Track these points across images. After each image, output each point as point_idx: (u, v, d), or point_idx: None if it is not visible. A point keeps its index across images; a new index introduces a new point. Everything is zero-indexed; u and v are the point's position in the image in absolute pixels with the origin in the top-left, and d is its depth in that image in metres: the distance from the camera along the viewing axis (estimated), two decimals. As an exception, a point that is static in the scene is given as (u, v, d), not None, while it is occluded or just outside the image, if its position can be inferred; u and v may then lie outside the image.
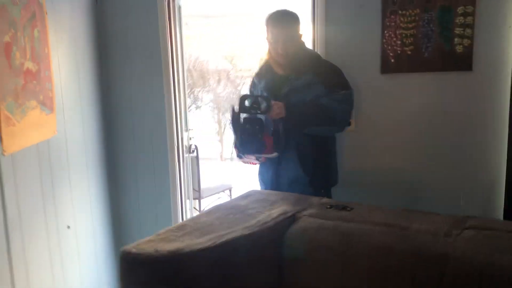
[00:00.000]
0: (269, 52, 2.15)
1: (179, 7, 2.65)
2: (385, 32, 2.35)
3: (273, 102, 1.97)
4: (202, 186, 3.80)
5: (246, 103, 1.95)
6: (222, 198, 4.16)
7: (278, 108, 1.97)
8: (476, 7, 2.29)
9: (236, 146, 2.05)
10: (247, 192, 1.79)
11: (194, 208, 3.39)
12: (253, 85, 2.28)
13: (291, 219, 1.45)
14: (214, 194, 4.08)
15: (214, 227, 1.39)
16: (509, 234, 1.30)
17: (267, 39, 2.10)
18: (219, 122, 10.40)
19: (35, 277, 1.75)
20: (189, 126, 2.92)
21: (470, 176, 2.45)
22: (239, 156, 2.11)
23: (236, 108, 1.99)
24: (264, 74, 2.21)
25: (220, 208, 1.58)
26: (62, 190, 1.99)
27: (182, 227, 1.42)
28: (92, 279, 2.31)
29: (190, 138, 2.96)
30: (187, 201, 2.85)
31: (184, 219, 2.74)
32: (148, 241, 1.32)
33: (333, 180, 2.19)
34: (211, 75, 10.29)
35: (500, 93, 2.34)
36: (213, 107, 10.45)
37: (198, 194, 3.59)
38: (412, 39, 2.33)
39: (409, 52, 2.34)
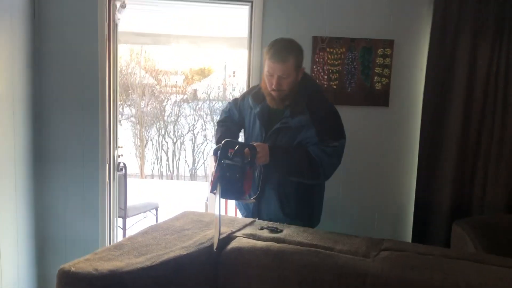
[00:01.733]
0: (264, 82, 1.98)
1: (116, 25, 2.69)
2: (314, 67, 2.55)
3: (257, 145, 1.84)
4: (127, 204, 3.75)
5: (229, 153, 1.77)
6: (148, 217, 4.12)
7: (263, 156, 1.83)
8: (393, 49, 2.56)
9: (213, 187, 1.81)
10: (181, 213, 1.83)
11: (119, 226, 3.34)
12: (244, 104, 2.12)
13: (226, 240, 1.53)
14: (140, 213, 4.03)
15: (151, 247, 1.43)
16: (418, 255, 1.48)
17: (264, 69, 1.96)
18: (141, 138, 10.22)
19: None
20: (118, 143, 2.92)
21: (384, 201, 2.69)
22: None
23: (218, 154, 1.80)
24: (261, 100, 2.03)
25: (156, 229, 1.62)
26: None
27: (120, 246, 1.44)
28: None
29: (119, 156, 2.96)
30: (115, 219, 2.83)
31: (112, 237, 2.72)
32: (85, 260, 1.33)
33: (316, 221, 2.11)
34: (134, 89, 10.13)
35: (412, 127, 2.63)
36: (135, 122, 10.27)
37: (124, 213, 3.54)
38: (337, 75, 2.55)
39: (334, 87, 2.56)
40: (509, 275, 1.33)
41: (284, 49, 1.89)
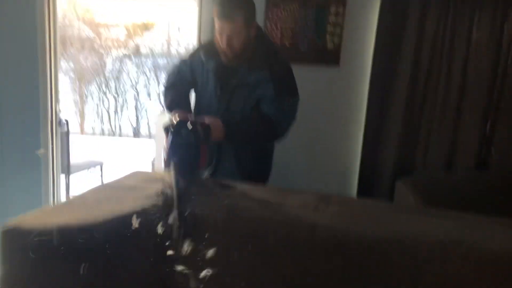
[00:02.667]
0: (216, 38, 1.89)
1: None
2: (267, 23, 2.52)
3: (210, 122, 1.76)
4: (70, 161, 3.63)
5: (183, 131, 1.71)
6: (93, 175, 4.02)
7: (217, 134, 1.78)
8: (346, 8, 2.57)
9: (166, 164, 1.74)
10: (130, 173, 1.78)
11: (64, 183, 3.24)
12: (196, 60, 2.03)
13: (179, 196, 1.53)
14: (83, 170, 3.92)
15: (103, 204, 1.40)
16: (364, 209, 1.55)
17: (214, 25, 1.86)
18: (80, 94, 9.82)
19: None
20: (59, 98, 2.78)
21: (331, 160, 2.77)
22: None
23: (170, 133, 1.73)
24: (214, 54, 1.95)
25: (106, 187, 1.59)
26: None
27: (70, 203, 1.41)
28: None
29: (60, 111, 2.83)
30: (60, 176, 2.74)
31: (56, 195, 2.64)
32: (33, 216, 1.29)
33: (266, 180, 2.12)
34: (72, 42, 9.57)
35: (360, 87, 2.69)
36: (74, 77, 9.81)
37: (67, 170, 3.43)
38: (290, 32, 2.54)
39: (288, 45, 2.55)
40: (449, 225, 1.42)
41: (231, 4, 1.79)
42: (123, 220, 1.31)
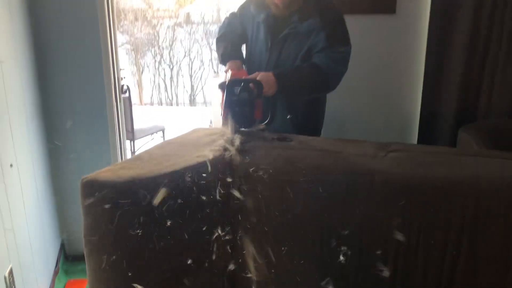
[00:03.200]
0: None
1: None
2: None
3: (261, 78, 1.80)
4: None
5: (236, 90, 1.79)
6: (156, 139, 4.19)
7: (269, 88, 1.81)
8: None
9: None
10: (192, 130, 1.86)
11: (129, 149, 3.41)
12: (246, 13, 2.06)
13: (240, 149, 1.58)
14: (147, 135, 4.09)
15: (170, 157, 1.48)
16: (425, 154, 1.53)
17: None
18: (137, 65, 10.08)
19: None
20: (120, 66, 2.90)
21: (390, 110, 2.73)
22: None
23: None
24: (264, 6, 1.97)
25: (171, 142, 1.67)
26: (2, 130, 1.96)
27: (138, 158, 1.49)
28: (35, 216, 2.33)
29: (122, 78, 2.95)
30: (125, 142, 2.89)
31: (123, 159, 2.79)
32: (107, 170, 1.39)
33: (319, 132, 2.16)
34: (125, 14, 9.77)
35: (419, 34, 2.59)
36: (129, 49, 10.06)
37: (131, 135, 3.60)
38: (341, -19, 2.47)
39: (338, -6, 2.48)
40: (510, 165, 1.38)
41: None
42: (188, 171, 1.38)
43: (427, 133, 2.67)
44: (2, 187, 1.91)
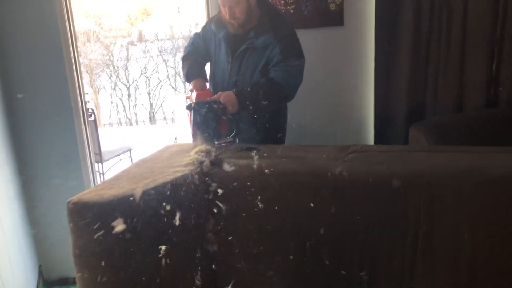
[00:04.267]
0: (220, 10, 2.07)
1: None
2: (269, -8, 2.62)
3: (223, 98, 1.99)
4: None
5: (203, 111, 2.01)
6: (124, 160, 4.21)
7: (231, 106, 1.99)
8: (344, -32, 2.65)
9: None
10: (163, 147, 1.96)
11: (97, 172, 3.44)
12: (208, 32, 2.21)
13: (213, 161, 1.69)
14: (114, 156, 4.11)
15: (147, 174, 1.57)
16: (381, 153, 1.69)
17: None
18: (93, 87, 9.99)
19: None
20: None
21: (346, 116, 2.90)
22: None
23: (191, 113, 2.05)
24: (224, 26, 2.12)
25: (146, 160, 1.75)
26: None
27: (117, 177, 1.58)
28: (14, 245, 2.34)
29: (87, 102, 3.01)
30: (95, 164, 2.93)
31: (95, 182, 2.83)
32: (89, 192, 1.47)
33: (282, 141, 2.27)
34: (77, 36, 9.65)
35: (367, 43, 2.79)
36: (83, 71, 9.97)
37: (99, 158, 3.63)
38: (293, -2, 2.64)
39: (291, 11, 2.65)
40: (460, 157, 1.56)
41: None
42: (167, 187, 1.48)
43: (382, 134, 2.85)
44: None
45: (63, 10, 2.47)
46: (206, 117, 2.01)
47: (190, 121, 2.07)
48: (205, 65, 2.31)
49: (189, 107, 2.06)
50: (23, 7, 2.42)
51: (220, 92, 2.05)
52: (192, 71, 2.21)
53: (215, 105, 2.01)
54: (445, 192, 1.46)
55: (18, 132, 2.56)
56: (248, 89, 2.04)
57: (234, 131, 2.11)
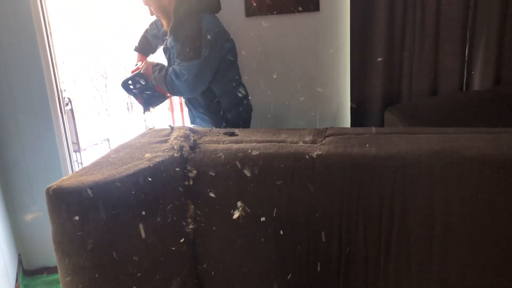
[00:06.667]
0: None
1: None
2: (245, -22, 2.62)
3: (141, 66, 2.30)
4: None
5: (130, 84, 2.33)
6: (102, 149, 4.19)
7: (147, 73, 2.29)
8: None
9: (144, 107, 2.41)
10: (143, 132, 1.98)
11: (76, 161, 3.41)
12: (156, 27, 2.46)
13: (192, 146, 1.71)
14: (92, 145, 4.08)
15: (126, 160, 1.58)
16: (357, 136, 1.73)
17: None
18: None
19: None
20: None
21: (323, 102, 2.94)
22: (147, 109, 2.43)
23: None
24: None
25: (125, 146, 1.75)
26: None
27: (97, 163, 1.58)
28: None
29: (64, 90, 2.97)
30: (73, 153, 2.91)
31: (73, 170, 2.82)
32: (69, 178, 1.46)
33: (232, 120, 2.36)
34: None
35: (342, 29, 2.82)
36: (60, 61, 9.79)
37: (77, 147, 3.60)
38: (269, -16, 2.65)
39: (268, -4, 2.66)
40: (433, 139, 1.61)
41: None
42: (147, 172, 1.49)
43: (358, 118, 2.91)
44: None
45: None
46: (138, 89, 2.32)
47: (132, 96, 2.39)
48: (154, 41, 2.53)
49: (122, 84, 2.35)
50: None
51: (144, 62, 2.34)
52: (136, 45, 2.53)
53: (137, 78, 2.31)
54: (418, 172, 1.50)
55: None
56: (159, 69, 2.26)
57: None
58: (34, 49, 2.46)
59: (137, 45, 2.53)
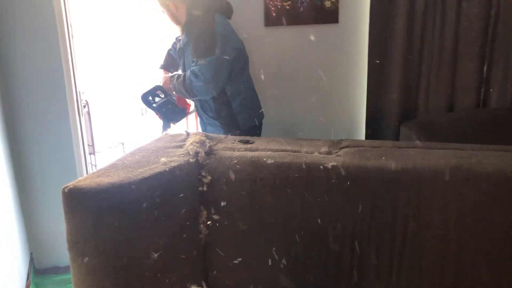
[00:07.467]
0: None
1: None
2: (265, -11, 2.65)
3: (164, 80, 2.34)
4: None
5: (150, 98, 2.34)
6: (116, 152, 4.22)
7: (166, 86, 2.32)
8: (341, -32, 2.69)
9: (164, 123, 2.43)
10: (159, 137, 1.99)
11: (90, 163, 3.44)
12: (178, 42, 2.49)
13: (207, 152, 1.72)
14: (107, 148, 4.12)
15: (142, 163, 1.59)
16: (373, 149, 1.72)
17: None
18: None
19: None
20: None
21: (338, 115, 2.94)
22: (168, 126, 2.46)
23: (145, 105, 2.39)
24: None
25: (141, 149, 1.77)
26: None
27: (113, 165, 1.59)
28: (4, 231, 2.34)
29: (82, 93, 3.01)
30: (88, 156, 2.94)
31: (87, 172, 2.84)
32: (85, 178, 1.48)
33: (243, 124, 2.36)
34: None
35: (360, 41, 2.82)
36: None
37: (92, 149, 3.63)
38: (289, -5, 2.67)
39: (287, 7, 2.68)
40: (449, 154, 1.60)
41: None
42: (163, 176, 1.50)
43: (373, 131, 2.89)
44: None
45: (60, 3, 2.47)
46: (157, 103, 2.32)
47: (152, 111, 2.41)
48: (175, 58, 2.56)
49: (142, 98, 2.35)
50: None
51: (163, 76, 2.38)
52: (162, 63, 2.59)
53: (158, 91, 2.33)
54: (434, 187, 1.50)
55: (12, 122, 2.55)
56: (177, 78, 2.26)
57: (193, 103, 2.43)
58: (56, 51, 2.51)
59: (162, 63, 2.59)
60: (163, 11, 2.31)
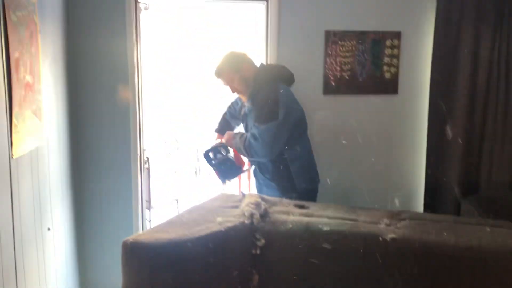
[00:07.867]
0: None
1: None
2: (327, 59, 2.73)
3: (224, 138, 2.43)
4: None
5: (211, 155, 2.45)
6: (171, 210, 4.29)
7: (228, 142, 2.40)
8: (401, 41, 2.75)
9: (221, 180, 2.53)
10: (216, 196, 2.02)
11: (146, 219, 3.52)
12: (234, 108, 2.65)
13: (262, 214, 1.72)
14: (161, 205, 4.20)
15: (199, 222, 1.62)
16: (433, 223, 1.66)
17: None
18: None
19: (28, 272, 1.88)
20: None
21: (396, 184, 2.88)
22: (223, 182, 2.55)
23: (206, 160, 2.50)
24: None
25: (199, 208, 1.81)
26: (43, 196, 2.11)
27: (171, 222, 1.63)
28: (63, 276, 2.41)
29: (144, 150, 3.14)
30: (145, 211, 3.01)
31: (143, 228, 2.90)
32: (144, 233, 1.53)
33: (299, 187, 2.34)
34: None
35: (420, 112, 2.81)
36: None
37: (148, 205, 3.72)
38: (349, 66, 2.74)
39: (347, 77, 2.74)
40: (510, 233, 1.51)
41: (216, 69, 2.36)
42: (218, 236, 1.52)
43: (431, 204, 2.80)
44: (41, 248, 2.04)
45: (134, 57, 2.66)
46: (218, 159, 2.43)
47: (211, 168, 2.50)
48: (234, 120, 2.68)
49: (204, 155, 2.48)
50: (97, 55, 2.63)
51: (226, 133, 2.46)
52: (217, 127, 2.70)
53: (219, 148, 2.43)
54: (501, 268, 1.41)
55: (80, 174, 2.70)
56: (238, 136, 2.37)
57: (247, 162, 2.51)
58: (125, 110, 2.67)
59: (217, 127, 2.70)
60: (225, 84, 2.39)
